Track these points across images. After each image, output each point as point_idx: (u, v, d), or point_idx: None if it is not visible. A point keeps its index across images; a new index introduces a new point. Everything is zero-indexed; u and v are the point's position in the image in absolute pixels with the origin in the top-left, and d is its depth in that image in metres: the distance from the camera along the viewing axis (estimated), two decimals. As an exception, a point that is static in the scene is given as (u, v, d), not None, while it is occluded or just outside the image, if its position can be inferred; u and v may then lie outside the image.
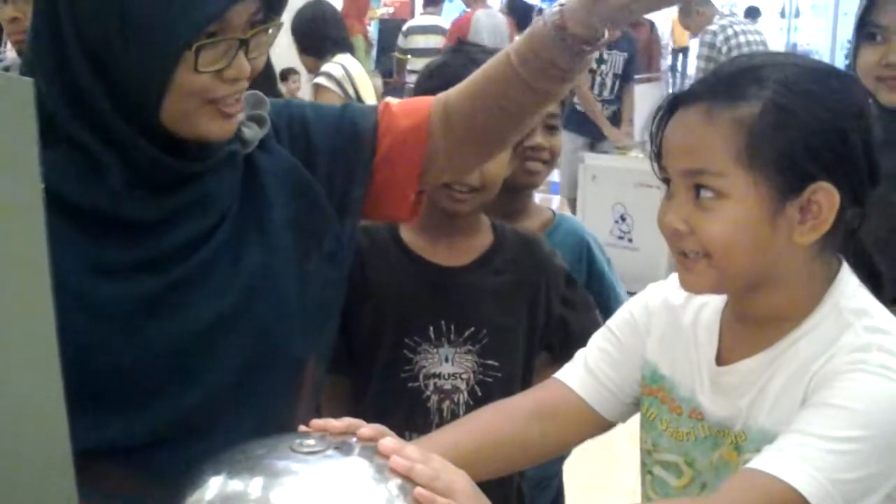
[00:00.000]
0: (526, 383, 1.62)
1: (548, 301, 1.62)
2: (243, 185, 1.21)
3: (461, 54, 1.62)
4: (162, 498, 0.93)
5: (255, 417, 1.17)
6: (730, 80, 1.02)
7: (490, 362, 1.57)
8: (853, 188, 1.01)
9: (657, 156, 1.07)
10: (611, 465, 1.94)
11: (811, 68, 1.05)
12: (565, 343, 1.63)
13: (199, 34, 1.05)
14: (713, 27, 6.06)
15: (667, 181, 1.07)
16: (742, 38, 5.95)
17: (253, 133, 1.22)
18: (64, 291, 1.02)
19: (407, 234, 1.62)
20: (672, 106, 1.06)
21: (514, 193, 1.78)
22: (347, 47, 4.35)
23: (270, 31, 1.15)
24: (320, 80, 4.09)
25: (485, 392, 1.57)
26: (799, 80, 1.01)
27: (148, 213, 1.13)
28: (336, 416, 1.10)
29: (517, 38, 1.24)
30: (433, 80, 1.39)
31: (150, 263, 1.13)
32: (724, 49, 5.90)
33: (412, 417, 1.56)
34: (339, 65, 4.15)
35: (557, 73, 1.19)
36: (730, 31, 5.99)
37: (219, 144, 1.16)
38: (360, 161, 1.27)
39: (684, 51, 13.15)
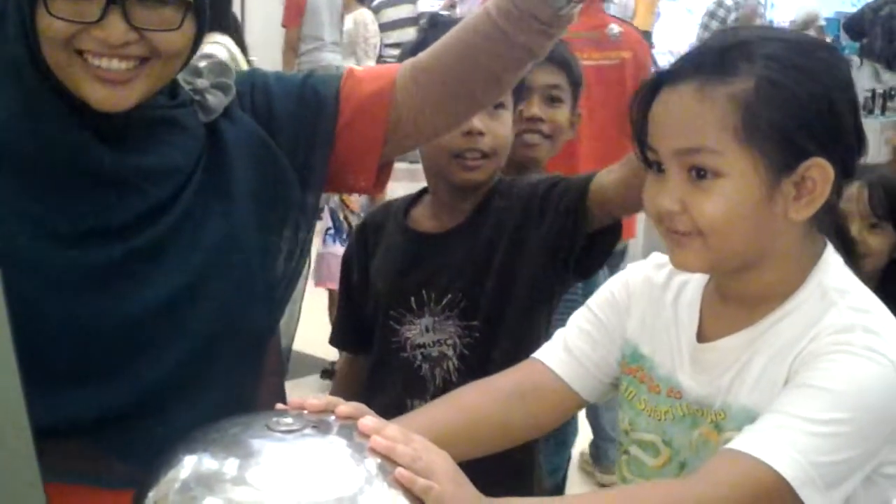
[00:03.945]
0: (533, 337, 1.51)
1: (535, 241, 1.53)
2: (206, 153, 1.18)
3: (439, 27, 1.60)
4: (127, 476, 0.91)
5: (219, 393, 1.15)
6: (718, 56, 1.00)
7: (473, 323, 1.55)
8: (844, 161, 1.01)
9: (640, 137, 1.05)
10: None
11: (797, 41, 1.04)
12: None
13: None
14: None
15: (650, 163, 1.05)
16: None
17: (217, 101, 1.20)
18: (16, 258, 1.00)
19: (416, 211, 1.64)
20: (656, 85, 1.03)
21: (519, 170, 1.77)
22: None
23: (170, 7, 1.08)
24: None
25: (474, 354, 1.55)
26: (787, 54, 0.99)
27: (107, 174, 1.10)
28: (352, 392, 1.07)
29: None
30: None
31: (108, 232, 1.10)
32: (721, 13, 6.23)
33: (410, 386, 1.58)
34: None
35: (538, 27, 1.18)
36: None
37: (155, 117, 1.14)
38: (322, 129, 1.26)
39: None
